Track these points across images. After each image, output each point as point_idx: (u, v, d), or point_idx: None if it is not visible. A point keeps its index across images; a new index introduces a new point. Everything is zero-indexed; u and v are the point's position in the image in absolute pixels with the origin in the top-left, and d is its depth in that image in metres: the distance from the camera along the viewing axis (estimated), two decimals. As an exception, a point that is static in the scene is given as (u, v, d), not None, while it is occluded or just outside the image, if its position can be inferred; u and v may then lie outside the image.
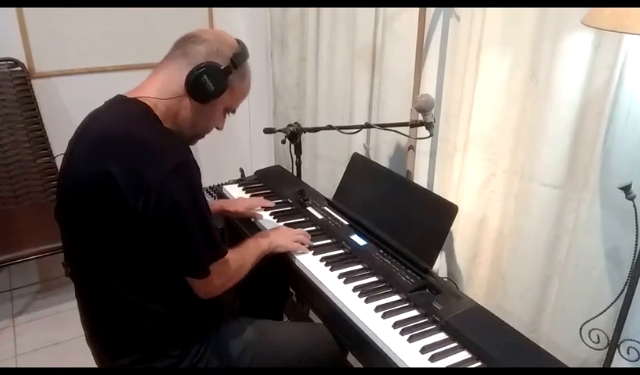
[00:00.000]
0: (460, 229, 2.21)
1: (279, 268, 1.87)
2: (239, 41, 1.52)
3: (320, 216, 2.04)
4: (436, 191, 2.34)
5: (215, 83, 1.41)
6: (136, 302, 1.40)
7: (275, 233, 1.83)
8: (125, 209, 1.26)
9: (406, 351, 1.37)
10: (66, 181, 1.42)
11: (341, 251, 1.83)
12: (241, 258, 1.59)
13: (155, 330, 1.44)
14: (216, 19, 3.59)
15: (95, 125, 1.42)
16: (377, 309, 1.52)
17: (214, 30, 1.53)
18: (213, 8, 3.54)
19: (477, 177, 2.13)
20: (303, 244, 1.81)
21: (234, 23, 3.61)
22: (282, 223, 1.99)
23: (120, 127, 1.35)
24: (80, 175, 1.35)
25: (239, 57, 1.48)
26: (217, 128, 1.57)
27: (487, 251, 2.16)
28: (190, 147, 1.47)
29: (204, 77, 1.40)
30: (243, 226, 2.07)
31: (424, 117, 2.07)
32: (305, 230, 1.92)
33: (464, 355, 1.37)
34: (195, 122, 1.47)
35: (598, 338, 1.74)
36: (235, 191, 2.28)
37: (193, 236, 1.34)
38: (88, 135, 1.40)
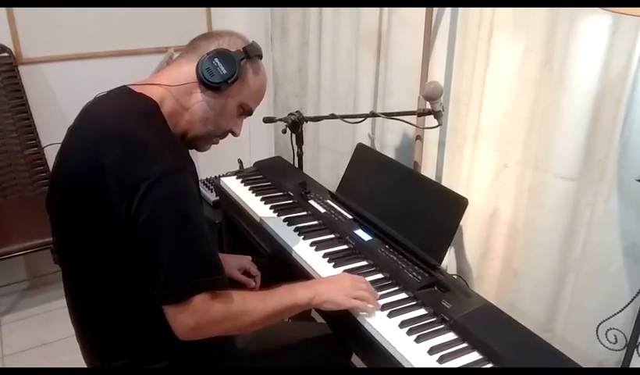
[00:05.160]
0: (470, 223, 2.21)
1: (279, 265, 1.88)
2: (253, 41, 1.52)
3: (322, 210, 2.04)
4: (445, 183, 2.34)
5: (226, 67, 1.40)
6: (127, 304, 1.39)
7: (327, 284, 1.57)
8: (110, 211, 1.25)
9: (413, 352, 1.37)
10: (60, 171, 1.42)
11: (345, 247, 1.83)
12: (257, 303, 1.41)
13: (148, 333, 1.42)
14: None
15: (95, 116, 1.41)
16: (382, 308, 1.53)
17: (227, 30, 1.52)
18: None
19: (488, 169, 2.13)
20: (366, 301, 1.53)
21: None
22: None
23: (119, 124, 1.32)
24: (75, 167, 1.34)
25: (252, 48, 1.47)
26: (232, 134, 1.54)
27: (498, 247, 2.16)
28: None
29: (215, 60, 1.40)
30: (243, 223, 2.08)
31: (432, 105, 2.07)
32: (307, 224, 1.92)
33: (474, 356, 1.38)
34: (206, 116, 1.45)
35: (615, 338, 1.74)
36: (233, 184, 2.28)
37: (169, 252, 1.26)
38: (87, 126, 1.39)
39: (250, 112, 1.54)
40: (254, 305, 1.39)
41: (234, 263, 1.92)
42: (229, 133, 1.54)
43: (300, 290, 1.48)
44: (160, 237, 1.25)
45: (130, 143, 1.28)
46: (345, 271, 1.67)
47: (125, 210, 1.24)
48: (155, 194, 1.23)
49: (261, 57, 1.52)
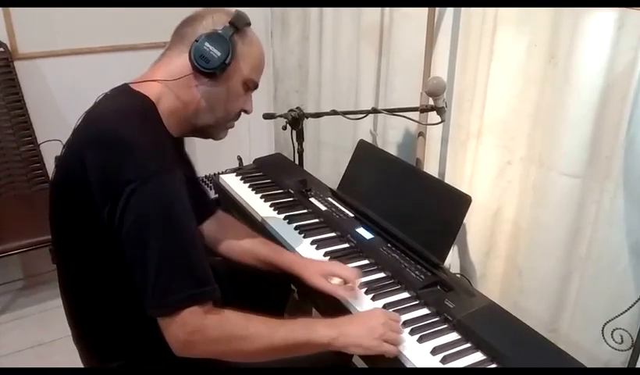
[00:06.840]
0: (473, 221, 2.21)
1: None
2: (237, 10, 1.47)
3: (323, 208, 2.04)
4: (448, 180, 2.34)
5: (219, 49, 1.36)
6: (120, 307, 1.39)
7: (355, 324, 1.41)
8: (94, 214, 1.24)
9: (416, 353, 1.37)
10: (58, 171, 1.42)
11: (346, 246, 1.83)
12: (263, 330, 1.30)
13: (143, 335, 1.39)
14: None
15: (93, 117, 1.40)
16: (385, 307, 1.53)
17: (208, 8, 1.47)
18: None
19: (491, 166, 2.13)
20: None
21: None
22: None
23: (112, 125, 1.31)
24: (68, 167, 1.35)
25: (238, 19, 1.42)
26: (245, 111, 1.51)
27: (502, 245, 2.16)
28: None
29: (206, 44, 1.36)
30: (243, 221, 2.07)
31: (435, 101, 2.07)
32: (307, 222, 1.92)
33: (477, 356, 1.37)
34: (212, 106, 1.43)
35: (621, 338, 1.74)
36: (232, 181, 2.27)
37: (156, 261, 1.22)
38: (86, 126, 1.38)
39: (255, 86, 1.51)
40: (259, 331, 1.29)
41: (316, 269, 1.66)
42: (242, 112, 1.52)
43: (321, 327, 1.36)
44: (145, 244, 1.22)
45: (118, 144, 1.26)
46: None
47: (108, 214, 1.22)
48: (140, 198, 1.21)
49: (249, 24, 1.47)
